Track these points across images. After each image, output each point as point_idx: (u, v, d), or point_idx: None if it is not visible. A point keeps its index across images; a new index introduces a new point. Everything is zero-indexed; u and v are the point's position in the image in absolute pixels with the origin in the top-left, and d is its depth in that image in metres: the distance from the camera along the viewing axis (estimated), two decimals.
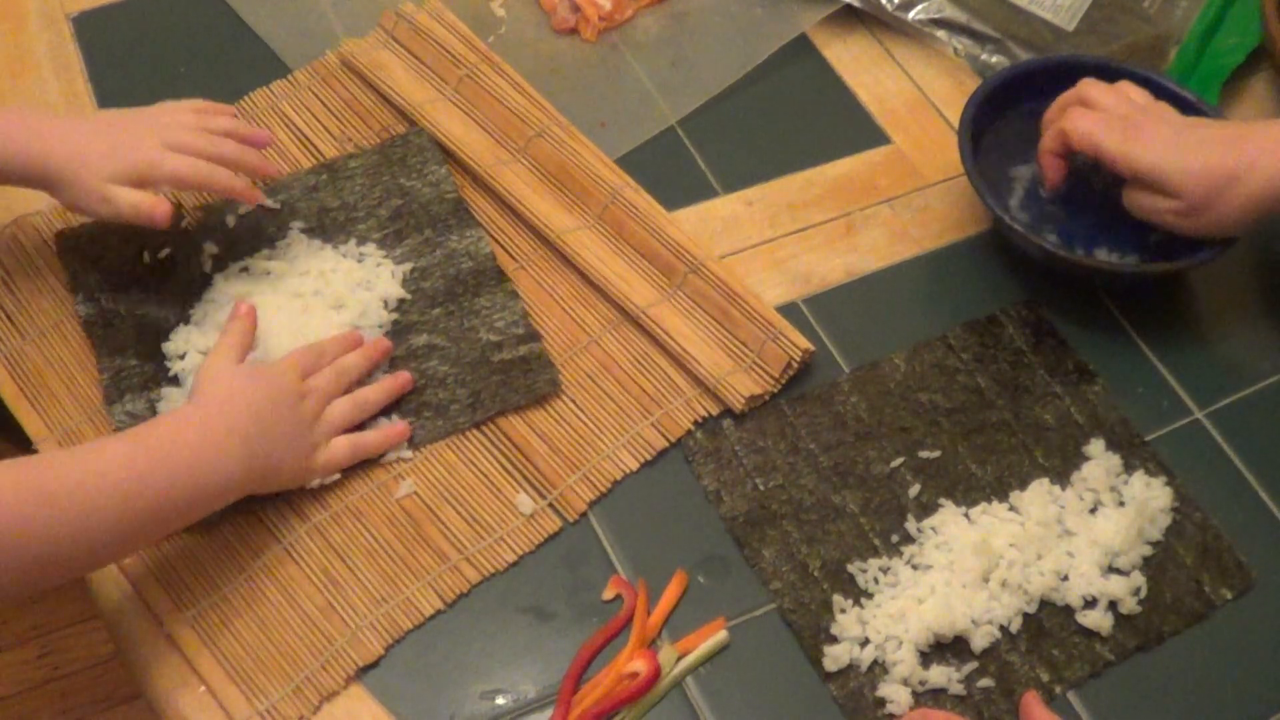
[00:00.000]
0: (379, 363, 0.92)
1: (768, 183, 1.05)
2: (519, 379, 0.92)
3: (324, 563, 0.85)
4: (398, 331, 0.94)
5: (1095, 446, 0.91)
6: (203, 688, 0.81)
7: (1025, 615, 0.84)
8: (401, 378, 0.91)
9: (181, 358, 0.91)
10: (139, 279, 0.95)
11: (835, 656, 0.82)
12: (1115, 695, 0.82)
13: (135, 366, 0.91)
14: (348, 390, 0.90)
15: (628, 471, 0.90)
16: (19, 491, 0.73)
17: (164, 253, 0.96)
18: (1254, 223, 0.92)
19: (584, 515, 0.88)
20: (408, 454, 0.89)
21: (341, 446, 0.87)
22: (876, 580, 0.85)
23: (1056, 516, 0.87)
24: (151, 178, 0.89)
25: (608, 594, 0.85)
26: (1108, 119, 0.93)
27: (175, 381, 0.91)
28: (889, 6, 1.14)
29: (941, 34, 1.13)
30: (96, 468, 0.76)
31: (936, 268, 1.01)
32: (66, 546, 0.75)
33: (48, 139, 0.89)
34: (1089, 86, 0.96)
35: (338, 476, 0.88)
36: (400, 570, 0.85)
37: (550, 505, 0.88)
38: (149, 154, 0.89)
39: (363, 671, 0.82)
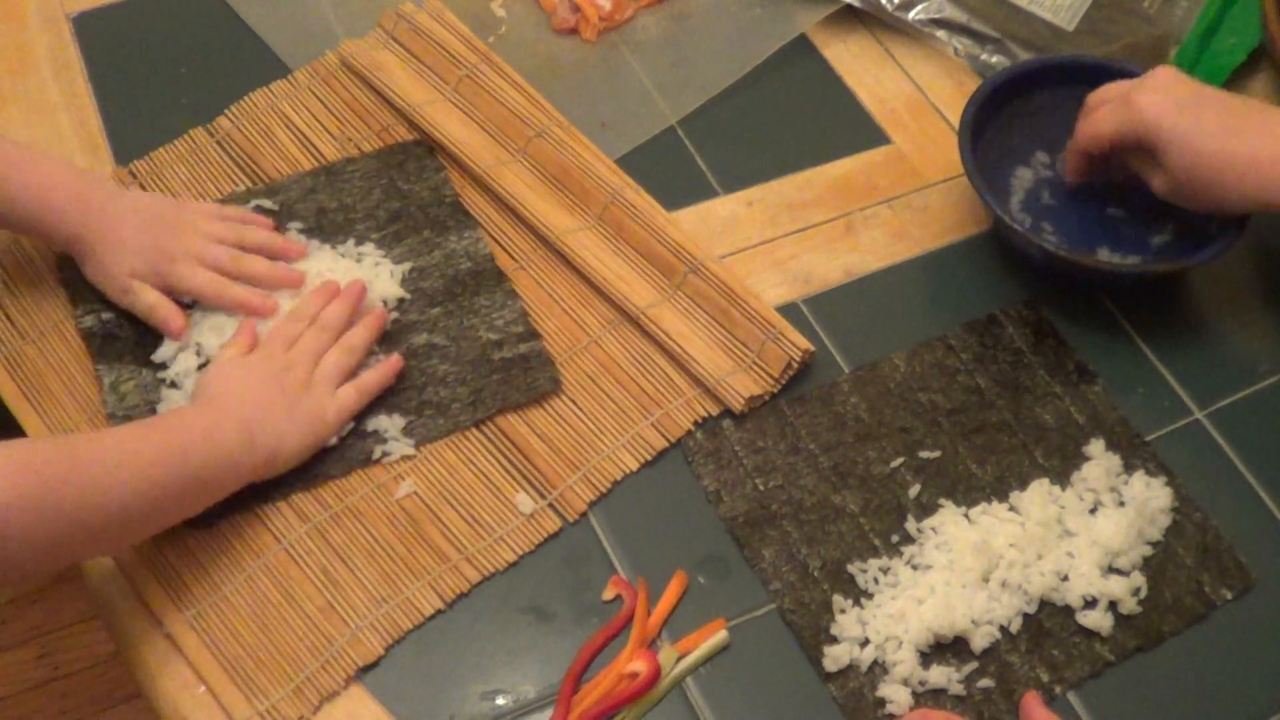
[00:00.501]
0: (359, 305, 0.93)
1: (768, 183, 1.05)
2: (519, 377, 0.92)
3: (324, 563, 0.85)
4: (397, 331, 0.94)
5: (1095, 446, 0.91)
6: (203, 688, 0.81)
7: (1025, 615, 0.84)
8: (379, 314, 0.93)
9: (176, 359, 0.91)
10: None
11: (835, 656, 0.82)
12: (1115, 695, 0.82)
13: (134, 371, 0.91)
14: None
15: (628, 471, 0.90)
16: (51, 461, 0.75)
17: None
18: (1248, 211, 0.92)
19: (584, 515, 0.88)
20: (410, 450, 0.89)
21: (348, 394, 0.89)
22: (876, 580, 0.85)
23: (1056, 516, 0.87)
24: (176, 288, 0.92)
25: (608, 594, 0.85)
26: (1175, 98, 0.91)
27: (174, 386, 0.91)
28: (889, 6, 1.13)
29: (941, 34, 1.13)
30: (114, 440, 0.80)
31: (936, 268, 1.01)
32: (92, 517, 0.76)
33: (89, 211, 0.91)
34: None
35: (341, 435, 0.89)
36: (400, 570, 0.85)
37: (550, 505, 0.88)
38: (179, 265, 0.92)
39: (363, 671, 0.82)
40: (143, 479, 0.78)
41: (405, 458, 0.89)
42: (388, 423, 0.90)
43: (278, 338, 0.90)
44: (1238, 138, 0.89)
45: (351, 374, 0.90)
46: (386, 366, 0.91)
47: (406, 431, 0.90)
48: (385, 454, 0.89)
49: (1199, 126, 0.89)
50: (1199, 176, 0.89)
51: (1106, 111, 0.93)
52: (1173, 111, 0.90)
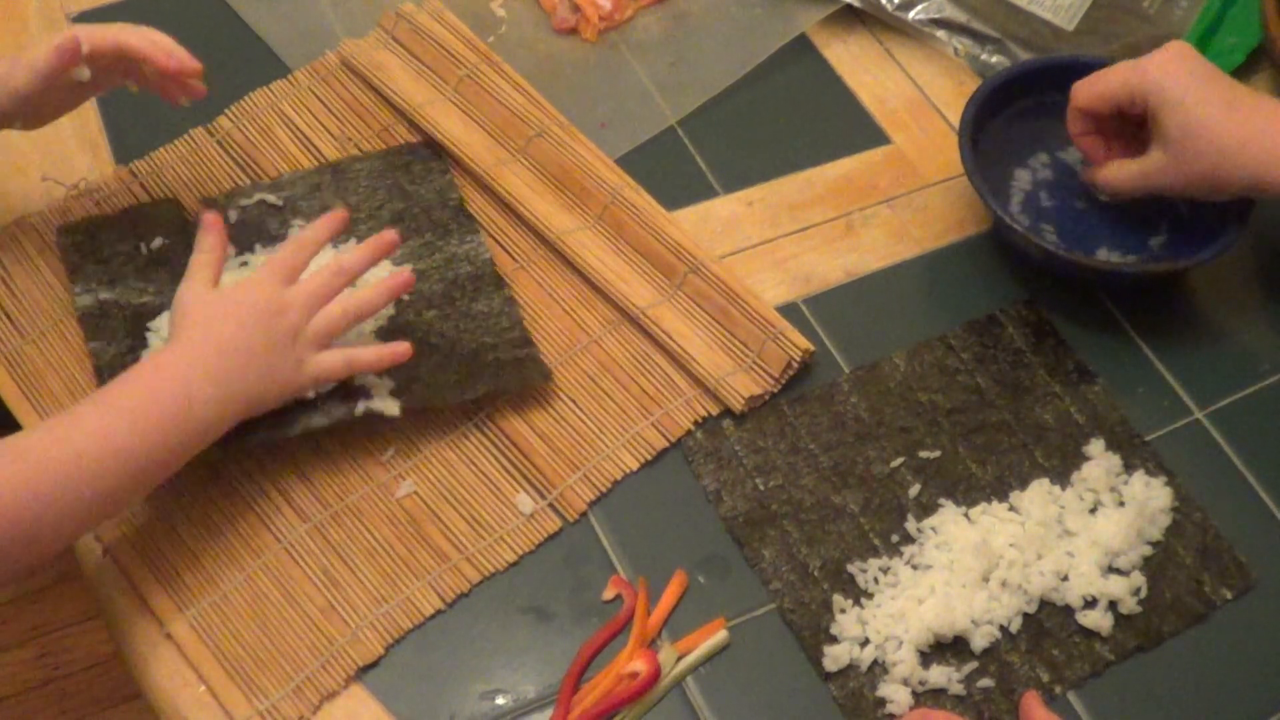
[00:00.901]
0: (381, 257, 0.89)
1: (768, 183, 1.05)
2: (511, 370, 0.92)
3: (324, 563, 0.85)
4: (393, 332, 0.94)
5: (1095, 446, 0.91)
6: (203, 688, 0.81)
7: (1025, 615, 0.84)
8: (402, 276, 0.88)
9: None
10: (138, 270, 0.95)
11: (835, 656, 0.82)
12: (1115, 695, 0.82)
13: (126, 345, 0.90)
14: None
15: (628, 471, 0.90)
16: (4, 486, 0.74)
17: (157, 242, 0.96)
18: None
19: (584, 515, 0.88)
20: (395, 411, 0.87)
21: (333, 359, 0.85)
22: (876, 580, 0.85)
23: (1056, 516, 0.87)
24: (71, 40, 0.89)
25: (608, 594, 0.85)
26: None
27: None
28: (889, 6, 1.14)
29: (941, 34, 1.13)
30: (76, 447, 0.77)
31: (936, 268, 1.01)
32: (54, 528, 0.76)
33: None
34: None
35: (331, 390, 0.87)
36: (400, 570, 0.85)
37: (550, 505, 0.88)
38: (69, 31, 0.89)
39: (363, 671, 0.82)
40: (105, 485, 0.77)
41: (401, 453, 0.89)
42: (375, 380, 0.88)
43: (279, 267, 0.84)
44: (1238, 113, 0.89)
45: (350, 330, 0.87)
46: (388, 350, 0.87)
47: (395, 394, 0.88)
48: (368, 410, 0.87)
49: (1204, 95, 0.90)
50: (1197, 147, 0.89)
51: (1113, 71, 0.94)
52: (1181, 77, 0.90)
